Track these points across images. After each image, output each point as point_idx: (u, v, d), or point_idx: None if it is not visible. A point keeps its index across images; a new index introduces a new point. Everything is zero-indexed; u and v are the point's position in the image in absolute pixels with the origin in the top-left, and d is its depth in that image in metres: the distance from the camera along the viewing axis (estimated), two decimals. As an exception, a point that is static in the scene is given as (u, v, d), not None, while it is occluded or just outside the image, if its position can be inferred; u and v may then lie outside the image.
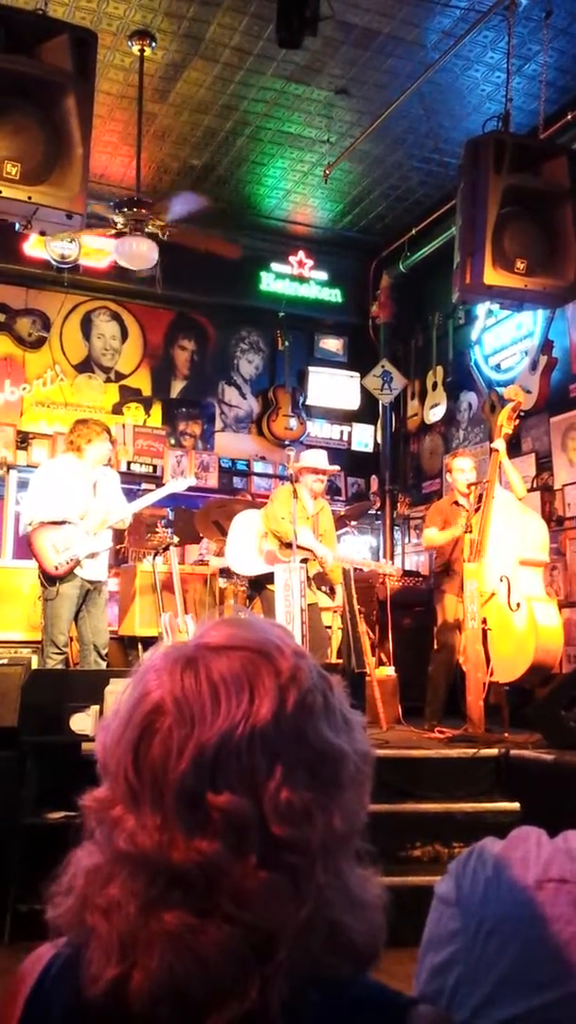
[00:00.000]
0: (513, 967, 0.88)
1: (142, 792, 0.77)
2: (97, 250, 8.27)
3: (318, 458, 6.33)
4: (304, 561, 5.83)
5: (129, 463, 8.86)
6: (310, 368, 10.10)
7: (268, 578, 6.01)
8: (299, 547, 5.83)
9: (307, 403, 10.01)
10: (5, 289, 8.86)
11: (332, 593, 6.72)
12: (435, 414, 9.35)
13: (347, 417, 10.25)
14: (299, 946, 0.75)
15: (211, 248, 7.99)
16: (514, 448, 7.34)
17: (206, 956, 0.73)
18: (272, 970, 0.73)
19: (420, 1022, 0.79)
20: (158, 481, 8.46)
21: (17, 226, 4.85)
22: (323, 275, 9.80)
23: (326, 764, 0.79)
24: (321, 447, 10.06)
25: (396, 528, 9.86)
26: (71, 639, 5.87)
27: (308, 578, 5.89)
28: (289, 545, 5.85)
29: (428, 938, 0.97)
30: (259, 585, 6.30)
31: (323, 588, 6.51)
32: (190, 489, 8.24)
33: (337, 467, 6.71)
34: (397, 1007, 0.81)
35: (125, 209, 6.92)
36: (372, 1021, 0.79)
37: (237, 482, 9.61)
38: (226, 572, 7.13)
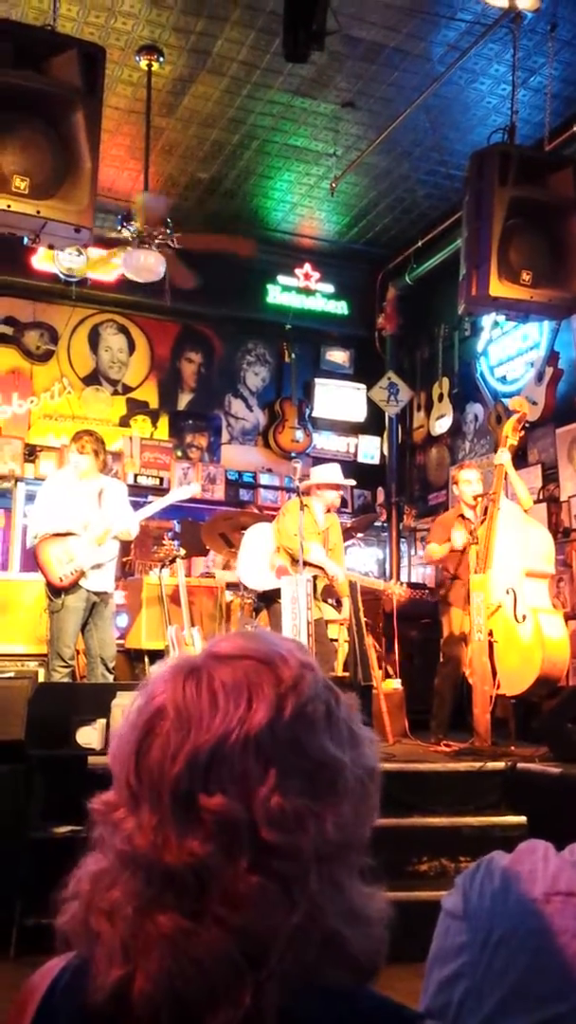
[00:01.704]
0: (520, 980, 0.88)
1: (141, 794, 0.78)
2: (105, 263, 8.31)
3: (335, 473, 6.39)
4: (315, 576, 5.84)
5: (136, 475, 8.88)
6: (316, 380, 10.12)
7: (278, 592, 6.01)
8: (310, 564, 5.84)
9: (313, 415, 10.02)
10: (13, 302, 8.90)
11: (339, 606, 6.71)
12: (441, 426, 9.35)
13: (353, 429, 10.26)
14: (291, 954, 0.75)
15: (225, 247, 7.99)
16: (520, 459, 7.33)
17: (200, 960, 0.73)
18: (265, 976, 0.73)
19: None
20: (164, 494, 8.47)
21: (26, 240, 4.88)
22: (329, 287, 9.83)
23: (322, 773, 0.79)
24: (328, 459, 10.13)
25: (402, 540, 9.85)
26: (78, 652, 5.88)
27: (315, 592, 5.89)
28: (293, 561, 5.86)
29: (435, 952, 0.97)
30: (269, 599, 6.30)
31: (330, 601, 6.50)
32: (197, 501, 8.25)
33: (353, 481, 6.75)
34: (403, 1021, 0.80)
35: (132, 222, 6.94)
36: None
37: (244, 494, 9.62)
38: (233, 585, 7.13)
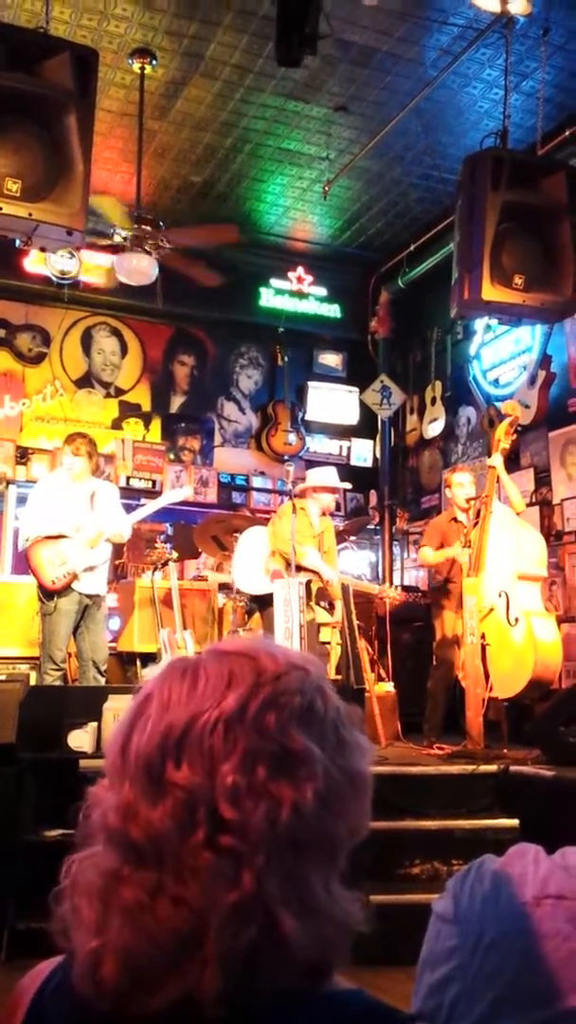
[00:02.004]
0: (511, 984, 0.88)
1: (124, 772, 0.82)
2: (97, 266, 8.30)
3: (331, 476, 6.40)
4: (308, 580, 5.84)
5: (128, 478, 8.88)
6: (309, 383, 10.13)
7: (273, 596, 6.02)
8: (304, 568, 5.84)
9: (306, 418, 10.03)
10: (5, 305, 8.89)
11: (331, 609, 6.71)
12: (434, 429, 9.36)
13: (346, 432, 10.27)
14: (229, 932, 0.76)
15: (210, 237, 7.99)
16: (513, 463, 7.34)
17: (152, 933, 0.77)
18: (206, 953, 0.76)
19: None
20: (157, 496, 8.46)
21: (18, 242, 4.87)
22: (322, 291, 9.83)
23: (288, 760, 0.81)
24: (321, 462, 10.13)
25: (395, 543, 9.86)
26: (69, 655, 5.86)
27: (309, 594, 5.89)
28: (297, 567, 5.86)
29: (426, 955, 0.97)
30: (263, 603, 6.28)
31: (322, 604, 6.50)
32: (189, 504, 8.24)
33: (349, 484, 6.80)
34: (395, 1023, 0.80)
35: (115, 225, 6.96)
36: None
37: (236, 497, 9.62)
38: (225, 587, 7.12)
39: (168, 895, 0.77)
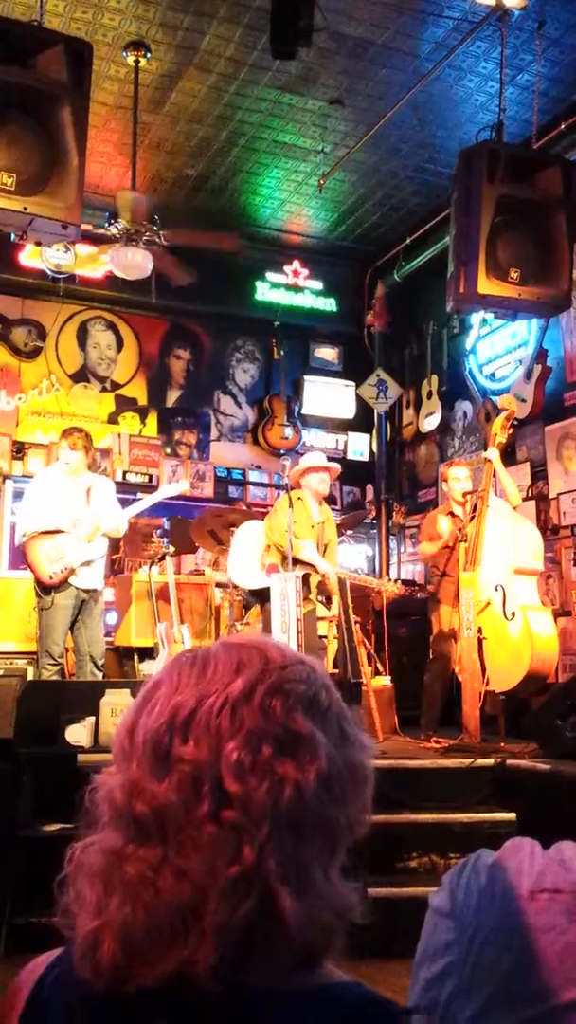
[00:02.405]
0: (507, 977, 0.88)
1: (131, 752, 0.85)
2: (92, 260, 8.28)
3: (316, 457, 6.33)
4: (305, 574, 5.82)
5: (125, 472, 8.87)
6: (305, 377, 10.12)
7: (270, 591, 6.01)
8: (301, 562, 5.83)
9: (302, 412, 10.02)
10: (0, 299, 8.86)
11: (328, 603, 6.72)
12: (430, 423, 9.36)
13: (342, 426, 10.26)
14: (228, 905, 0.78)
15: (211, 244, 7.97)
16: (509, 457, 7.34)
17: (154, 907, 0.78)
18: (204, 926, 0.77)
19: None
20: (153, 491, 8.45)
21: (12, 236, 4.86)
22: (318, 284, 9.82)
23: (292, 742, 0.83)
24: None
25: (392, 537, 9.86)
26: (67, 650, 5.87)
27: (307, 587, 5.87)
28: (293, 560, 5.84)
29: (423, 949, 0.97)
30: (262, 597, 6.27)
31: (320, 598, 6.50)
32: (186, 498, 8.23)
33: (338, 465, 6.64)
34: (390, 1016, 0.80)
35: (119, 220, 6.92)
36: None
37: (233, 491, 9.61)
38: (222, 583, 7.13)
39: (171, 868, 0.79)
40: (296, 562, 5.89)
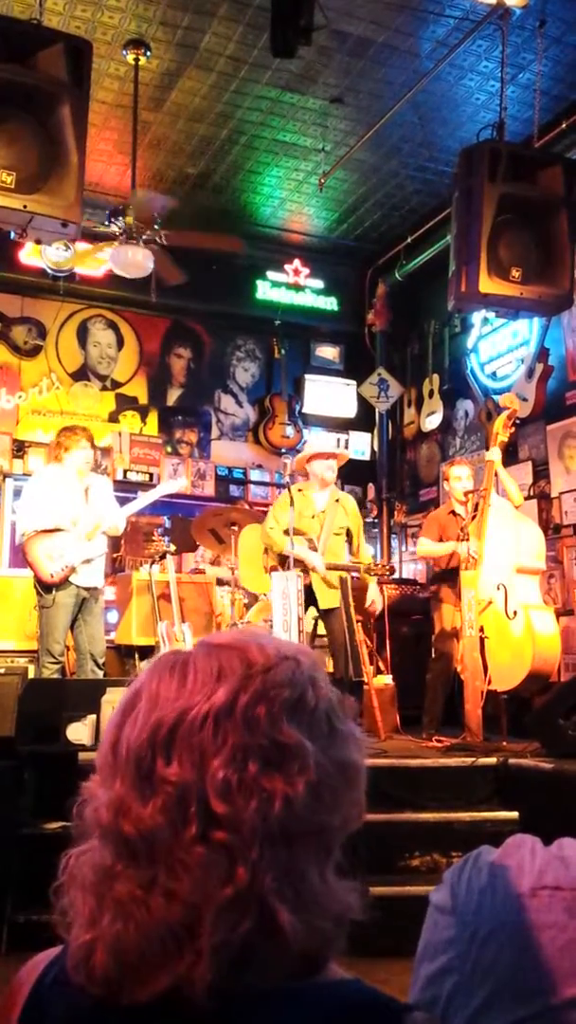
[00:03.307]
0: (508, 974, 0.88)
1: (115, 768, 0.83)
2: (93, 258, 8.28)
3: (326, 442, 6.21)
4: (304, 571, 5.77)
5: (125, 471, 8.87)
6: (306, 376, 10.11)
7: None
8: (297, 561, 5.79)
9: (303, 411, 10.01)
10: (1, 297, 8.86)
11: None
12: (431, 422, 9.36)
13: (344, 425, 10.26)
14: (225, 925, 0.76)
15: (214, 245, 7.96)
16: (510, 456, 7.34)
17: (143, 926, 0.77)
18: (199, 946, 0.76)
19: None
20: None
21: (12, 234, 4.86)
22: (319, 283, 9.82)
23: (279, 754, 0.81)
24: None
25: (393, 536, 9.86)
26: (68, 648, 5.87)
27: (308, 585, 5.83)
28: (282, 558, 5.81)
29: (424, 947, 0.97)
30: None
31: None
32: (187, 497, 8.22)
33: (346, 451, 6.41)
34: (391, 1013, 0.80)
35: (121, 218, 6.92)
36: None
37: (234, 490, 9.62)
38: (223, 581, 7.13)
39: (161, 889, 0.77)
40: (285, 560, 5.85)
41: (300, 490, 6.04)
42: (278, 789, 0.79)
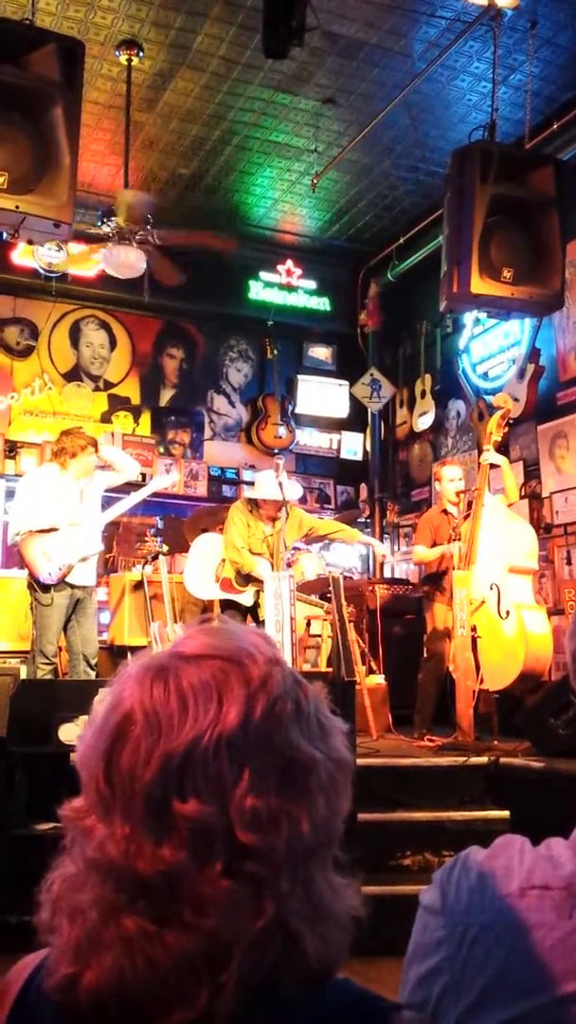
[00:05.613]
0: (498, 975, 0.88)
1: (113, 801, 0.77)
2: (85, 259, 8.27)
3: (270, 487, 5.84)
4: (258, 592, 5.90)
5: (118, 472, 8.85)
6: (299, 376, 10.12)
7: (227, 603, 6.12)
8: (253, 579, 5.91)
9: (296, 411, 10.02)
10: (-7, 298, 8.86)
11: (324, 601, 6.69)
12: (424, 422, 9.37)
13: (336, 425, 10.27)
14: (253, 956, 0.74)
15: (206, 244, 7.95)
16: (502, 456, 7.35)
17: (157, 962, 0.73)
18: (225, 979, 0.73)
19: None
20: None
21: (4, 235, 4.86)
22: (311, 284, 9.82)
23: (295, 771, 0.78)
24: (311, 455, 10.12)
25: (385, 536, 9.87)
26: (60, 649, 5.86)
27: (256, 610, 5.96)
28: (246, 577, 5.94)
29: (413, 947, 0.97)
30: (223, 607, 6.25)
31: (312, 596, 6.49)
32: (179, 497, 8.21)
33: (294, 499, 6.15)
34: (380, 1012, 0.80)
35: (113, 218, 6.91)
36: None
37: (226, 490, 9.62)
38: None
39: (180, 925, 0.74)
40: (249, 579, 5.96)
41: (251, 510, 6.03)
42: (303, 811, 0.77)
